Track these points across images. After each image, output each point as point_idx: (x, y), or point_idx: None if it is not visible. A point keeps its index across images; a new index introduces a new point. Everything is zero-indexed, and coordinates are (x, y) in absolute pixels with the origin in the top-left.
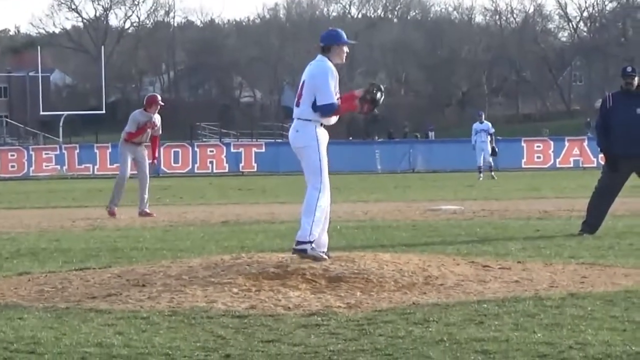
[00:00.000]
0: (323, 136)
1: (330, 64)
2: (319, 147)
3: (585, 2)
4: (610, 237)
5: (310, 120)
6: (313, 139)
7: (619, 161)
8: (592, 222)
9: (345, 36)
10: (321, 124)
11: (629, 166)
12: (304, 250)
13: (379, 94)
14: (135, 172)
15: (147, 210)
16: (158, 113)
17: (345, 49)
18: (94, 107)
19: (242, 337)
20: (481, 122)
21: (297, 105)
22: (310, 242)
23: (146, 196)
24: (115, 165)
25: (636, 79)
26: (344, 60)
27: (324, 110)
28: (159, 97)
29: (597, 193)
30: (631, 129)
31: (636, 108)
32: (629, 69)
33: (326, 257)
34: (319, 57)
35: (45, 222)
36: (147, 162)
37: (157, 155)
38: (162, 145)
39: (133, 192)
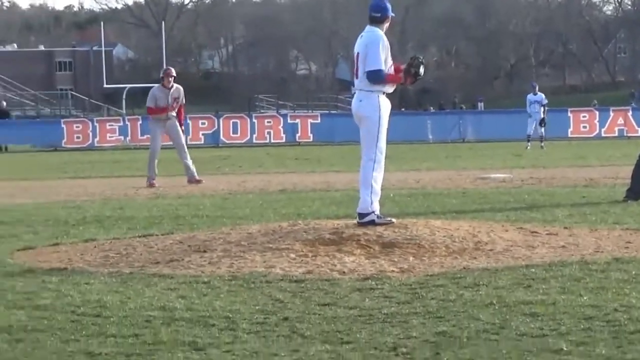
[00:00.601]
0: (385, 106)
1: (381, 33)
2: (381, 119)
3: None
4: None
5: (372, 91)
6: (376, 109)
7: None
8: (637, 189)
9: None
10: (383, 93)
11: None
12: (372, 221)
13: (421, 68)
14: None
15: (197, 177)
16: (176, 83)
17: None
18: (155, 80)
19: (299, 301)
20: (535, 94)
21: (356, 77)
22: (374, 212)
23: (189, 163)
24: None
25: None
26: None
27: (372, 76)
28: (172, 70)
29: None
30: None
31: None
32: None
33: (393, 220)
34: (369, 27)
35: (110, 191)
36: (180, 132)
37: (182, 122)
38: (222, 116)
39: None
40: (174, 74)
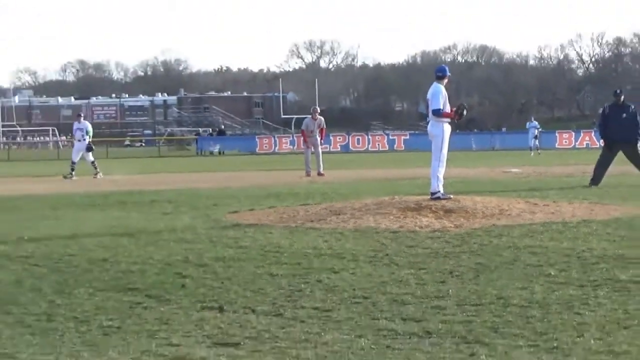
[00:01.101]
0: (447, 129)
1: (441, 86)
2: (444, 137)
3: (592, 51)
4: (607, 187)
5: (438, 121)
6: (441, 132)
7: (612, 144)
8: (596, 179)
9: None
10: (448, 122)
11: (617, 147)
12: (439, 197)
13: (464, 111)
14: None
15: (322, 172)
16: (321, 116)
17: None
18: (308, 114)
19: (395, 244)
20: (531, 122)
21: (428, 112)
22: (439, 192)
23: (322, 164)
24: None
25: (622, 97)
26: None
27: (435, 113)
28: (317, 108)
29: (599, 162)
30: (619, 126)
31: (622, 114)
32: (618, 90)
33: (451, 196)
34: (435, 83)
35: (283, 178)
36: (319, 145)
37: (323, 138)
38: (350, 134)
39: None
40: (319, 110)
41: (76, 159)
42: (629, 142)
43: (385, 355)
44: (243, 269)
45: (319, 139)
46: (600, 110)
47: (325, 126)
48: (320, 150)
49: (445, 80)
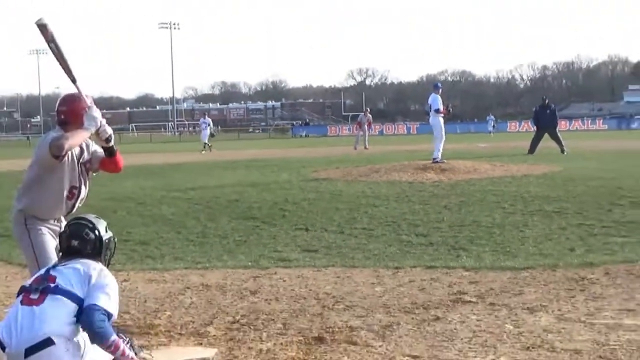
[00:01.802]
0: (441, 120)
1: (437, 96)
2: (441, 124)
3: (528, 73)
4: (539, 155)
5: (435, 116)
6: (438, 121)
7: (540, 129)
8: (532, 150)
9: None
10: (442, 116)
11: (543, 130)
12: (437, 162)
13: (451, 109)
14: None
15: (367, 147)
16: (369, 114)
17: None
18: None
19: (411, 189)
20: (490, 116)
21: (429, 111)
22: (438, 157)
23: (367, 143)
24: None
25: (547, 101)
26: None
27: (436, 110)
28: (368, 109)
29: (533, 140)
30: (544, 118)
31: (547, 111)
32: (544, 97)
33: (445, 161)
34: (433, 94)
35: (344, 151)
36: (367, 130)
37: (369, 127)
38: None
39: None
40: (369, 110)
41: (205, 139)
42: (550, 127)
43: (406, 257)
44: (320, 205)
45: (366, 128)
46: (534, 109)
47: (371, 120)
48: (367, 135)
49: (439, 91)
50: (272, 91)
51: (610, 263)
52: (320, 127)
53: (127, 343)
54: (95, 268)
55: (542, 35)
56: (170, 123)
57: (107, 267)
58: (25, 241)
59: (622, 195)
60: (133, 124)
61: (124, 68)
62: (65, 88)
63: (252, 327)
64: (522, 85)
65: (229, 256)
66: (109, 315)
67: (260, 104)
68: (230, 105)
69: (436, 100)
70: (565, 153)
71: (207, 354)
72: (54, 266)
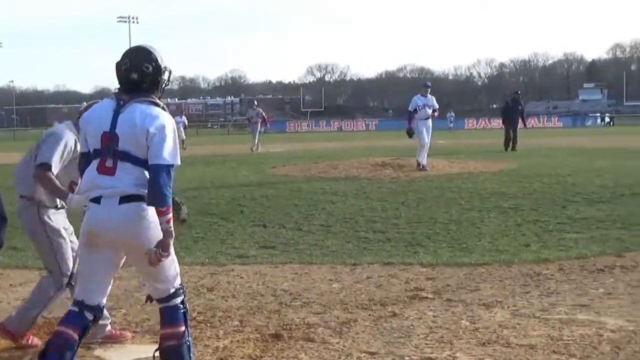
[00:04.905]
0: (423, 122)
1: (420, 95)
2: (419, 126)
3: (486, 71)
4: (495, 152)
5: (416, 119)
6: (417, 124)
7: (510, 123)
8: (508, 146)
9: (429, 85)
10: (423, 119)
11: (513, 125)
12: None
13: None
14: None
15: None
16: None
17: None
18: None
19: (369, 186)
20: (450, 112)
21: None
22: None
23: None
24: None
25: (518, 97)
26: (427, 93)
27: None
28: (255, 102)
29: (505, 136)
30: (515, 114)
31: (518, 107)
32: (518, 92)
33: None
34: (420, 94)
35: (303, 147)
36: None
37: (266, 123)
38: None
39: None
40: (256, 103)
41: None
42: (517, 123)
43: (364, 253)
44: (278, 201)
45: (259, 125)
46: (505, 103)
47: (265, 115)
48: (257, 133)
49: (427, 90)
50: (231, 87)
51: (564, 259)
52: (279, 123)
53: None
54: (152, 117)
55: (499, 33)
56: None
57: (161, 96)
58: (40, 233)
59: (577, 192)
60: None
61: (80, 61)
62: (20, 81)
63: (208, 324)
64: (479, 83)
65: (186, 253)
66: (171, 169)
67: (219, 100)
68: (189, 100)
69: (412, 100)
70: (514, 150)
71: None
72: (116, 114)
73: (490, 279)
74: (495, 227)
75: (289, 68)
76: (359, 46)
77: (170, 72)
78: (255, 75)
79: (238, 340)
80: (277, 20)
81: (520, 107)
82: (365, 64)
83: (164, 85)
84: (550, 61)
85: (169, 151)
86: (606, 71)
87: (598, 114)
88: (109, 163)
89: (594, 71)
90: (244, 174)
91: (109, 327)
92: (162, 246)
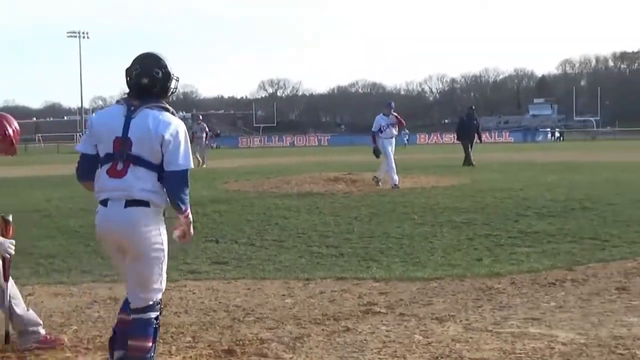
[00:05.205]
0: (389, 140)
1: (383, 114)
2: (384, 145)
3: (438, 86)
4: (447, 167)
5: (381, 138)
6: (383, 142)
7: (466, 139)
8: (468, 161)
9: (392, 105)
10: (389, 137)
11: (468, 139)
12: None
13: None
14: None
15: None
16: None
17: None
18: None
19: (322, 201)
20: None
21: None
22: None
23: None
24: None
25: (473, 112)
26: (391, 112)
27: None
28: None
29: (465, 151)
30: (470, 129)
31: (473, 121)
32: (473, 106)
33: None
34: (382, 113)
35: (256, 163)
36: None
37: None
38: None
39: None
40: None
41: None
42: (471, 135)
43: (317, 268)
44: (230, 216)
45: (204, 140)
46: (460, 119)
47: (208, 131)
48: (203, 148)
49: (388, 110)
50: (183, 102)
51: (516, 273)
52: (231, 139)
53: None
54: (165, 123)
55: (450, 48)
56: (79, 134)
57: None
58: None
59: (528, 207)
60: (39, 135)
61: (30, 77)
62: None
63: (161, 340)
64: (431, 98)
65: None
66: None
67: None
68: None
69: (376, 120)
70: (471, 166)
71: None
72: (128, 119)
73: (442, 293)
74: (448, 242)
75: (241, 83)
76: (311, 61)
77: (178, 80)
78: (207, 90)
79: (191, 357)
80: (228, 35)
81: (475, 122)
82: (317, 79)
83: (172, 92)
84: (501, 76)
85: (183, 155)
86: (556, 86)
87: (548, 129)
88: (119, 167)
89: (544, 86)
90: (196, 189)
91: (42, 333)
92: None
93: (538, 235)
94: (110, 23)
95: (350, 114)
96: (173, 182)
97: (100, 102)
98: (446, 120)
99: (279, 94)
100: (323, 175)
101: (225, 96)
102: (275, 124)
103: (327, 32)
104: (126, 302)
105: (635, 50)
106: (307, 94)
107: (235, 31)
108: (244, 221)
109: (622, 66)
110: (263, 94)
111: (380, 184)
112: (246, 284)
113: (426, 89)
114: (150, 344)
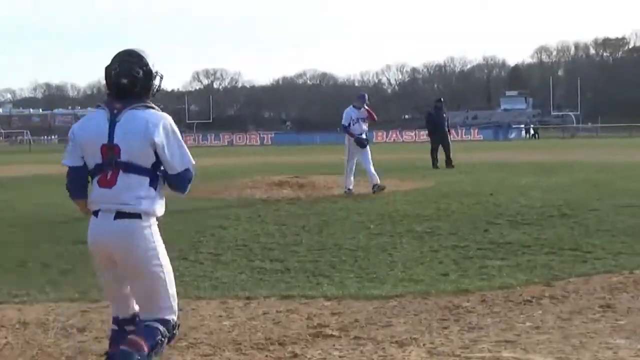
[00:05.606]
0: (353, 142)
1: (353, 106)
2: (349, 146)
3: (397, 77)
4: (409, 169)
5: (346, 135)
6: (350, 141)
7: (436, 133)
8: (435, 163)
9: (364, 97)
10: (358, 134)
11: (440, 136)
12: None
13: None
14: None
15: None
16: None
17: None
18: None
19: (265, 208)
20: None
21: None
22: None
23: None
24: None
25: (442, 105)
26: (364, 105)
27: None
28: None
29: (432, 151)
30: (441, 124)
31: (442, 114)
32: (441, 99)
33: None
34: (352, 105)
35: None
36: None
37: None
38: None
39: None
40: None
41: None
42: (444, 131)
43: (259, 285)
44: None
45: None
46: (428, 113)
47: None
48: None
49: (360, 102)
50: (105, 95)
51: (486, 289)
52: None
53: None
54: (153, 124)
55: (412, 35)
56: None
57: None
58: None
59: (500, 214)
60: None
61: None
62: None
63: None
64: (389, 90)
65: (52, 287)
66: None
67: (91, 110)
68: (56, 110)
69: (346, 114)
70: (453, 167)
71: None
72: (113, 123)
73: (403, 313)
74: (409, 254)
75: (172, 74)
76: (251, 50)
77: (161, 77)
78: None
79: None
80: (159, 18)
81: (445, 115)
82: (259, 69)
83: (155, 90)
84: (469, 66)
85: (180, 155)
86: (530, 77)
87: (522, 126)
88: (109, 176)
89: (516, 77)
90: None
91: None
92: None
93: (511, 246)
94: (19, 5)
95: (297, 108)
96: (178, 183)
97: (8, 95)
98: (406, 116)
99: (215, 86)
100: (266, 179)
101: None
102: (211, 120)
103: (269, 16)
104: (114, 334)
105: (619, 36)
106: (248, 86)
107: (166, 15)
108: (174, 232)
109: (604, 54)
110: (197, 85)
111: (376, 189)
112: (178, 305)
113: (384, 80)
114: (145, 349)
